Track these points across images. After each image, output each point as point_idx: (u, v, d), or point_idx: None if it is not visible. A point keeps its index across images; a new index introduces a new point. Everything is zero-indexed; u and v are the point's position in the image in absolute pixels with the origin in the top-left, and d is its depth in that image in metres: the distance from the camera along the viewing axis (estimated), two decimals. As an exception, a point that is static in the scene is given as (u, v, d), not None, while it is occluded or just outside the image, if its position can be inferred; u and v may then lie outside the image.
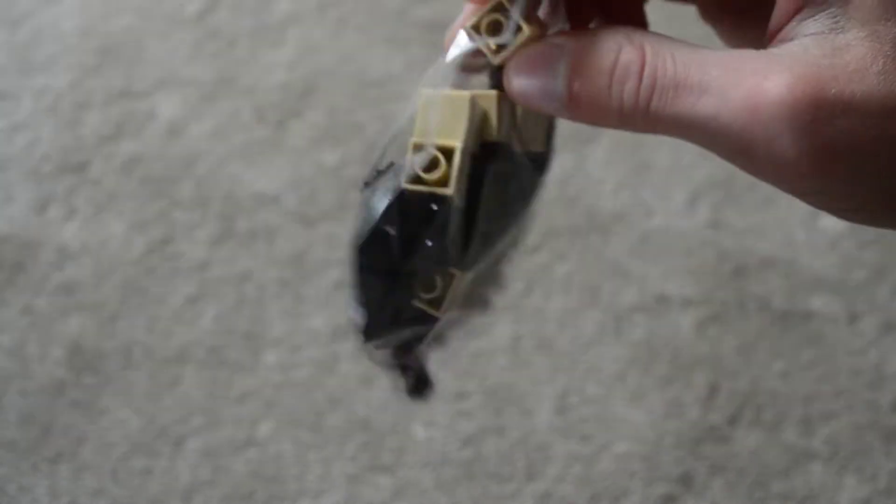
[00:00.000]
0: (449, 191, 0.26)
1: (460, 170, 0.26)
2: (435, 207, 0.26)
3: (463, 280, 0.28)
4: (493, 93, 0.27)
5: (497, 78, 0.27)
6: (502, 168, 0.27)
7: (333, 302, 0.62)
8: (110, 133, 0.69)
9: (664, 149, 0.69)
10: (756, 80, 0.23)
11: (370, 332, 0.28)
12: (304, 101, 0.69)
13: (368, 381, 0.59)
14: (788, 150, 0.23)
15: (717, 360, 0.60)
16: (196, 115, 0.69)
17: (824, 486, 0.56)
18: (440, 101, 0.27)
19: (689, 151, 0.68)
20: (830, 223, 0.65)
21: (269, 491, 0.56)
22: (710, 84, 0.24)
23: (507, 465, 0.56)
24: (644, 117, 0.25)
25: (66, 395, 0.59)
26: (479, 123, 0.27)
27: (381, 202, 0.27)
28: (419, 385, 0.32)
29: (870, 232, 0.64)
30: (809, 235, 0.64)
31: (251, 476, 0.56)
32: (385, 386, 0.59)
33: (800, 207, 0.66)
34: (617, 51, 0.25)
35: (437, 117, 0.27)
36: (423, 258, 0.27)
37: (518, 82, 0.26)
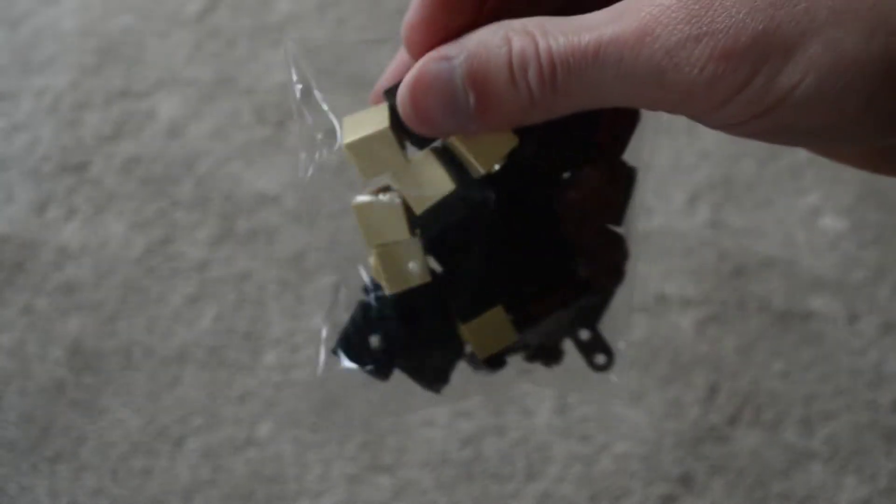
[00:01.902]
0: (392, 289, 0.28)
1: (390, 266, 0.28)
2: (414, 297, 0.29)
3: (474, 328, 0.29)
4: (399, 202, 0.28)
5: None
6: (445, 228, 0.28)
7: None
8: (110, 133, 0.69)
9: (664, 149, 0.69)
10: (642, 7, 0.23)
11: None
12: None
13: (368, 381, 0.59)
14: (692, 60, 0.22)
15: (717, 360, 0.60)
16: (196, 115, 0.69)
17: (824, 486, 0.56)
18: (373, 207, 0.28)
19: (689, 151, 0.68)
20: (830, 223, 0.65)
21: (269, 491, 0.56)
22: (603, 36, 0.23)
23: (507, 465, 0.56)
24: (555, 97, 0.24)
25: (66, 395, 0.59)
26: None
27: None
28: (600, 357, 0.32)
29: (870, 232, 0.64)
30: (809, 235, 0.64)
31: (251, 476, 0.56)
32: (385, 386, 0.59)
33: (800, 207, 0.66)
34: (507, 43, 0.24)
35: (378, 220, 0.28)
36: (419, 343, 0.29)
37: (417, 111, 0.25)
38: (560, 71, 0.24)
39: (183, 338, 0.61)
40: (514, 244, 0.28)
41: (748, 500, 0.55)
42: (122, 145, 0.68)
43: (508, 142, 0.26)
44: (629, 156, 0.30)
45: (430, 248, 0.28)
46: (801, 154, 0.66)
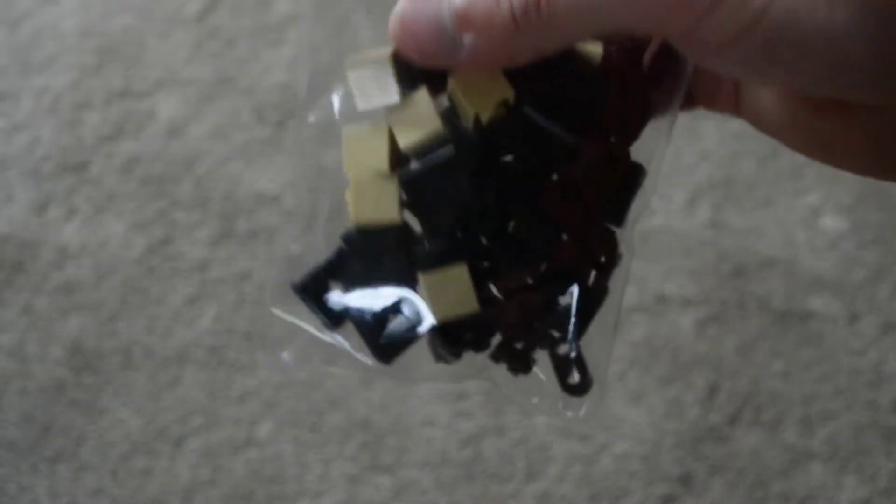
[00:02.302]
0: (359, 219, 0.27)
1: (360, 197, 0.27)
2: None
3: (437, 278, 0.27)
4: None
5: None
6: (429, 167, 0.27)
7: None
8: (110, 133, 0.69)
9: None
10: None
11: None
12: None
13: (368, 381, 0.59)
14: None
15: (717, 360, 0.60)
16: (196, 115, 0.69)
17: (824, 486, 0.56)
18: (361, 136, 0.27)
19: (689, 151, 0.68)
20: (830, 223, 0.65)
21: (268, 491, 0.56)
22: None
23: (507, 465, 0.56)
24: (540, 18, 0.23)
25: (66, 395, 0.59)
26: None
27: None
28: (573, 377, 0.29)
29: (870, 232, 0.64)
30: (809, 235, 0.64)
31: (251, 476, 0.56)
32: (384, 386, 0.59)
33: (800, 207, 0.66)
34: None
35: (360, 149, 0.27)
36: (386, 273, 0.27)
37: (406, 35, 0.25)
38: None
39: (183, 338, 0.61)
40: (494, 206, 0.27)
41: (748, 500, 0.55)
42: (122, 145, 0.68)
43: (502, 90, 0.26)
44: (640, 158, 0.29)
45: (406, 189, 0.27)
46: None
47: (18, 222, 0.65)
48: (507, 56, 0.25)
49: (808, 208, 0.65)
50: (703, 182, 0.67)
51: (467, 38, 0.24)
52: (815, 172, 0.66)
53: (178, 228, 0.65)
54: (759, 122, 0.29)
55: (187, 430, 0.58)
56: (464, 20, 0.24)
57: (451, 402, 0.58)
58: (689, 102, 0.30)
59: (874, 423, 0.58)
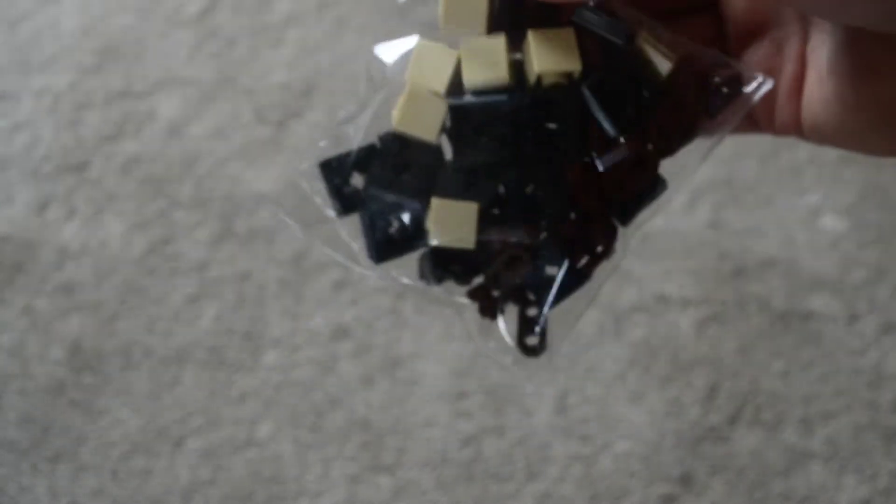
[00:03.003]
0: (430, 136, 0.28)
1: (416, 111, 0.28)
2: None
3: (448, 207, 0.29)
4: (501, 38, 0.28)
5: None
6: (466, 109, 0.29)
7: (333, 302, 0.62)
8: (110, 133, 0.69)
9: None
10: None
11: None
12: (304, 101, 0.69)
13: (368, 381, 0.59)
14: None
15: (717, 360, 0.60)
16: (196, 115, 0.69)
17: (824, 486, 0.56)
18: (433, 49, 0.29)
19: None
20: (830, 223, 0.65)
21: (269, 491, 0.56)
22: None
23: (507, 465, 0.56)
24: None
25: (66, 395, 0.59)
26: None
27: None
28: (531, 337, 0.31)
29: (870, 232, 0.64)
30: (809, 235, 0.64)
31: (251, 476, 0.56)
32: (384, 386, 0.59)
33: (800, 207, 0.66)
34: None
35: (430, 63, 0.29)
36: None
37: None
38: None
39: (183, 338, 0.61)
40: (523, 164, 0.29)
41: (748, 500, 0.55)
42: (122, 145, 0.68)
43: (572, 61, 0.27)
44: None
45: (453, 116, 0.29)
46: (802, 154, 0.66)
47: (18, 222, 0.65)
48: None
49: (808, 208, 0.65)
50: (703, 182, 0.67)
51: None
52: (815, 172, 0.66)
53: (178, 228, 0.65)
54: (821, 130, 0.30)
55: (187, 430, 0.58)
56: None
57: (451, 402, 0.58)
58: (753, 126, 0.32)
59: (874, 423, 0.58)
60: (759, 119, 0.32)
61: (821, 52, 0.29)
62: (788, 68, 0.31)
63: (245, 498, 0.56)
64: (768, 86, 0.29)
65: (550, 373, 0.59)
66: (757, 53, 0.31)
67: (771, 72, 0.30)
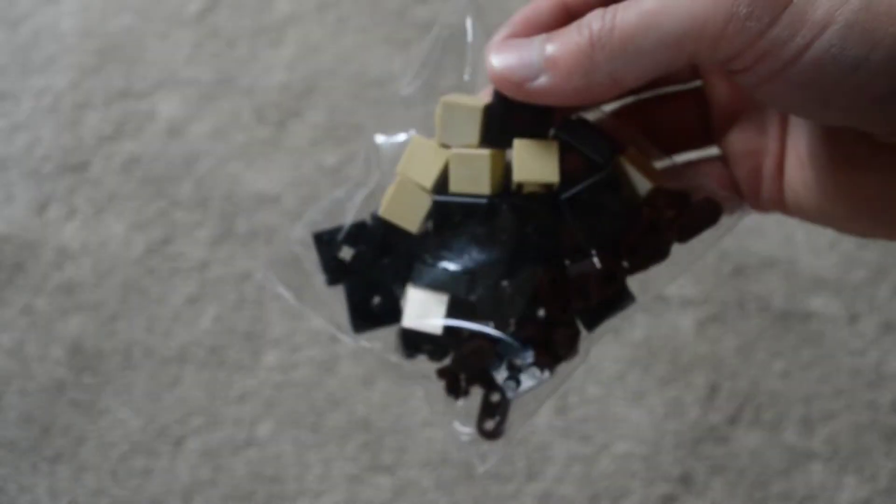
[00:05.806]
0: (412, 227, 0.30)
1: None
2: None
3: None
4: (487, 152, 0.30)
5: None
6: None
7: (333, 302, 0.62)
8: (110, 133, 0.69)
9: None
10: None
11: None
12: (304, 101, 0.69)
13: (368, 381, 0.59)
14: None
15: (717, 360, 0.60)
16: (196, 115, 0.69)
17: (824, 486, 0.56)
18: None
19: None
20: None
21: (269, 491, 0.56)
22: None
23: (507, 465, 0.56)
24: (612, 34, 0.26)
25: (66, 395, 0.59)
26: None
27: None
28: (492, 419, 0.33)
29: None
30: (809, 235, 0.64)
31: (251, 476, 0.56)
32: (384, 386, 0.59)
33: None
34: (588, 20, 0.27)
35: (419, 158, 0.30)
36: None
37: (498, 60, 0.28)
38: (620, 10, 0.26)
39: (183, 338, 0.61)
40: (493, 263, 0.30)
41: (748, 500, 0.55)
42: (122, 145, 0.68)
43: (552, 173, 0.29)
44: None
45: (435, 211, 0.30)
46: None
47: (18, 222, 0.65)
48: (584, 78, 0.27)
49: (808, 208, 0.65)
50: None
51: (549, 48, 0.27)
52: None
53: (178, 228, 0.65)
54: (803, 211, 0.32)
55: (187, 430, 0.58)
56: (549, 61, 0.27)
57: (450, 402, 0.58)
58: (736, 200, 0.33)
59: (874, 423, 0.58)
60: (746, 196, 0.33)
61: (800, 139, 0.30)
62: (771, 148, 0.32)
63: (245, 498, 0.56)
64: (747, 213, 0.31)
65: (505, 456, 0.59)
66: (740, 135, 0.32)
67: (754, 152, 0.32)
